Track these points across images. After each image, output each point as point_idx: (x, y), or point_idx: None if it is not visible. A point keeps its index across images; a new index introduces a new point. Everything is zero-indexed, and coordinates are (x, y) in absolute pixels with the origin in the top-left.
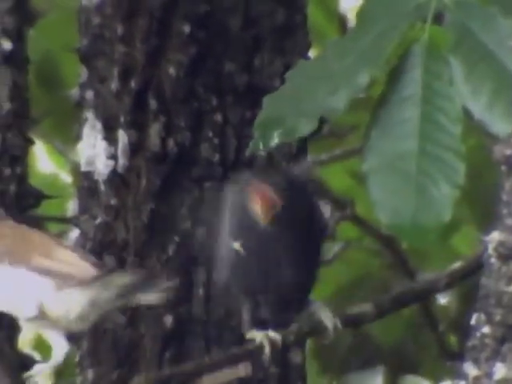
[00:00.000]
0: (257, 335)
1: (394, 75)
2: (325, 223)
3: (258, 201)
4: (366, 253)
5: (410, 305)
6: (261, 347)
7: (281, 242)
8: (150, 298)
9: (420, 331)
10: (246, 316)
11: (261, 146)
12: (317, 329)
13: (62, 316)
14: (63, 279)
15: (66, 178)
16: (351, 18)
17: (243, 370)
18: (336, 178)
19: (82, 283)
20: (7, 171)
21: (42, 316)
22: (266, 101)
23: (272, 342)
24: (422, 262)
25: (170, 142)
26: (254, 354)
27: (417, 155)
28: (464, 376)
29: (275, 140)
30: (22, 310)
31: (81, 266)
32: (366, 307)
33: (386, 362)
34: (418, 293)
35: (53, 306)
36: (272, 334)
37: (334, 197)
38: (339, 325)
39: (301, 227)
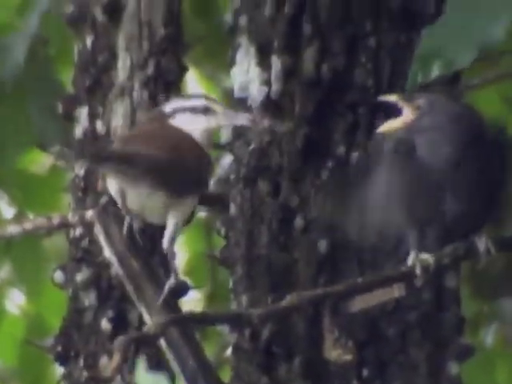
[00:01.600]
0: (410, 258)
1: None
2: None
3: None
4: None
5: None
6: (413, 269)
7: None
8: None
9: None
10: (412, 242)
11: (420, 78)
12: (471, 252)
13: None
14: None
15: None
16: None
17: (396, 291)
18: (487, 102)
19: None
20: (162, 96)
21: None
22: (426, 33)
23: (425, 265)
24: None
25: (324, 67)
26: (407, 276)
27: None
28: None
29: (435, 72)
30: None
31: None
32: None
33: None
34: None
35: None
36: (425, 256)
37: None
38: (493, 249)
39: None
